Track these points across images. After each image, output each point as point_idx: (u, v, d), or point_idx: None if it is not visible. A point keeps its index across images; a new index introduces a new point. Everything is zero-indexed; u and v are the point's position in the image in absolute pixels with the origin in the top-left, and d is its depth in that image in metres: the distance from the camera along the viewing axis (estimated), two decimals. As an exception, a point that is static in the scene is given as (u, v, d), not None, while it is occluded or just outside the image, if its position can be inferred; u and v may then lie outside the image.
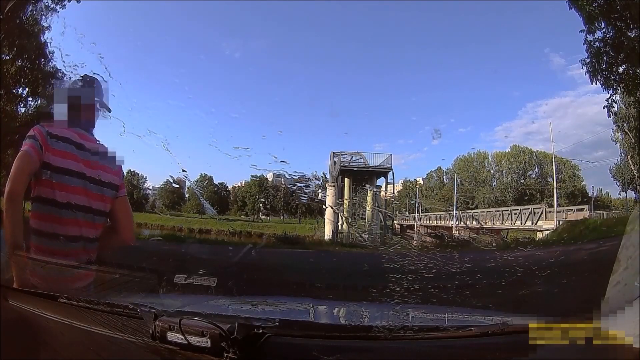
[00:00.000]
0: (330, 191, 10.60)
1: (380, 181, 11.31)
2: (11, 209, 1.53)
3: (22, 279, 1.50)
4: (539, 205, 10.64)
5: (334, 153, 11.48)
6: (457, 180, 13.99)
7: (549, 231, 8.80)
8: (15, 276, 1.50)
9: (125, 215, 1.82)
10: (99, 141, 1.78)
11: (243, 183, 17.34)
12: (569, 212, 10.01)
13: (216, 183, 16.56)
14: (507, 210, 10.92)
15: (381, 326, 1.13)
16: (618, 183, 10.58)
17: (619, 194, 11.46)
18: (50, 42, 6.86)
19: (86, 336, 1.21)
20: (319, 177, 11.38)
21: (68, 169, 1.63)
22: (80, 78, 1.83)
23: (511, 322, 1.19)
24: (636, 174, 8.81)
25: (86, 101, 1.78)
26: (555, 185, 12.12)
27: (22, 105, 7.42)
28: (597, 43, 5.73)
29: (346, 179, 10.98)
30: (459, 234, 10.50)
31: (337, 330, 1.27)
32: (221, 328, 1.01)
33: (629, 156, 8.80)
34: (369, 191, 10.76)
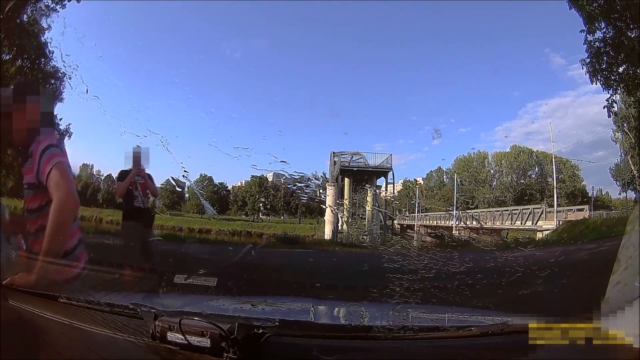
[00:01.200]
0: (330, 191, 10.57)
1: (380, 181, 11.28)
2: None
3: (23, 279, 1.49)
4: (539, 205, 10.61)
5: (334, 153, 11.45)
6: (457, 180, 13.99)
7: (549, 231, 8.78)
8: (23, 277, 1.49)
9: None
10: None
11: (243, 183, 17.33)
12: (569, 212, 9.99)
13: (216, 183, 16.55)
14: (507, 210, 10.89)
15: (381, 326, 1.13)
16: (618, 183, 10.56)
17: (619, 194, 11.42)
18: (50, 42, 6.85)
19: (86, 336, 1.21)
20: (319, 177, 11.37)
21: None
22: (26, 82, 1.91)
23: (511, 322, 1.19)
24: (636, 174, 8.81)
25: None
26: (555, 185, 12.10)
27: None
28: (597, 43, 5.73)
29: (346, 179, 10.95)
30: (459, 233, 10.48)
31: (337, 330, 1.27)
32: (221, 328, 1.01)
33: (629, 156, 8.79)
34: (369, 191, 10.75)
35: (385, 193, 11.43)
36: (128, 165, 3.87)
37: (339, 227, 10.47)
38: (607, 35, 5.65)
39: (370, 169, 10.83)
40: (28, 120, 1.69)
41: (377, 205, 10.67)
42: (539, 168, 13.93)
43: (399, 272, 1.97)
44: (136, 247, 3.66)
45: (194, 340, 1.02)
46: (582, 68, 6.00)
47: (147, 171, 3.91)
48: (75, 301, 1.30)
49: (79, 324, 1.24)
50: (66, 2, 6.75)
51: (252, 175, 16.38)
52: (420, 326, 1.20)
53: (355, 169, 10.81)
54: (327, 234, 10.98)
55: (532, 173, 13.95)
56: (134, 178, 3.84)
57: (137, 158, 3.82)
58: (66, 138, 8.42)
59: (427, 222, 13.30)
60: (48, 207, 1.59)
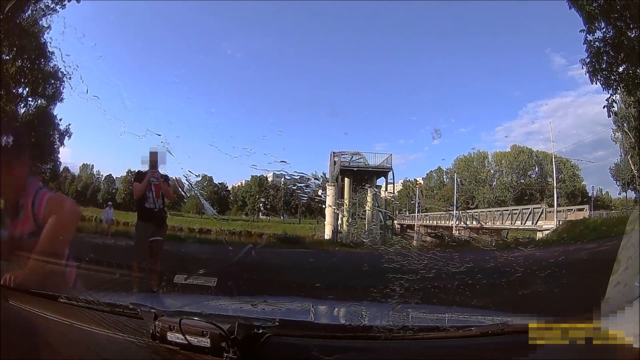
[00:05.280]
0: (330, 191, 10.57)
1: (380, 181, 11.27)
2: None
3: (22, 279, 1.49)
4: (539, 205, 10.60)
5: (334, 153, 11.43)
6: (457, 180, 13.98)
7: (549, 231, 8.78)
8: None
9: None
10: None
11: (243, 183, 17.33)
12: (569, 212, 9.98)
13: (216, 183, 16.54)
14: (507, 210, 10.89)
15: (381, 326, 1.13)
16: (618, 183, 10.55)
17: (619, 194, 11.42)
18: (50, 42, 6.85)
19: (86, 336, 1.21)
20: (319, 177, 11.36)
21: None
22: None
23: (511, 322, 1.19)
24: (636, 174, 8.80)
25: None
26: (555, 185, 12.09)
27: (22, 105, 7.43)
28: (597, 43, 5.73)
29: (346, 179, 10.94)
30: (459, 233, 10.49)
31: (337, 330, 1.27)
32: (221, 328, 1.01)
33: (629, 156, 8.78)
34: (368, 191, 10.74)
35: (385, 193, 11.42)
36: (144, 167, 3.89)
37: (339, 227, 10.47)
38: (607, 35, 5.65)
39: (370, 169, 10.82)
40: (13, 181, 1.63)
41: (377, 205, 10.66)
42: (539, 168, 13.92)
43: (399, 272, 1.96)
44: (143, 247, 3.66)
45: (194, 340, 1.03)
46: (582, 68, 6.01)
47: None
48: (75, 301, 1.30)
49: (79, 324, 1.24)
50: (66, 2, 6.75)
51: (252, 175, 16.37)
52: (420, 326, 1.20)
53: (355, 168, 10.80)
54: (327, 234, 10.97)
55: (532, 173, 13.95)
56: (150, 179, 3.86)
57: (154, 160, 3.84)
58: (66, 138, 8.44)
59: (427, 222, 13.30)
60: None
